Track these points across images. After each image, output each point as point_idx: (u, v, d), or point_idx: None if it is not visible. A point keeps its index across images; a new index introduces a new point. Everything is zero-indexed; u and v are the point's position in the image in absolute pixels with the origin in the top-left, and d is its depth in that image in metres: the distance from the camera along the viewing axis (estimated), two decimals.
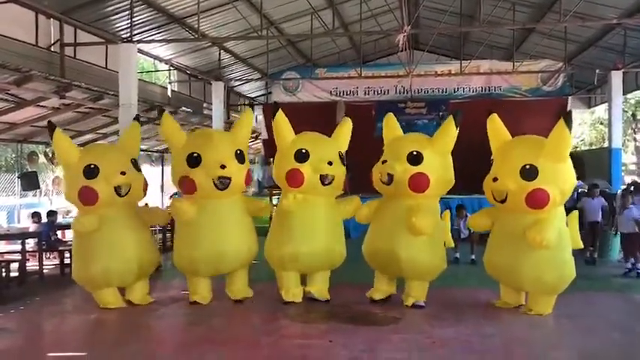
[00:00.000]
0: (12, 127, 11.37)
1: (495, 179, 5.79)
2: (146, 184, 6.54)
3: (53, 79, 9.68)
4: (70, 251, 9.30)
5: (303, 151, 6.18)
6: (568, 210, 6.26)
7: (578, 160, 6.01)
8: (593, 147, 25.05)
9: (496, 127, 6.22)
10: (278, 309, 6.20)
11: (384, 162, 6.16)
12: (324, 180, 6.15)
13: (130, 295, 6.38)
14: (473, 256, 9.19)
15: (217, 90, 15.69)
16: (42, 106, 10.82)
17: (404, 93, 17.58)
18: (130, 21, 10.71)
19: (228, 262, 6.29)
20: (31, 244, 9.59)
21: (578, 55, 15.51)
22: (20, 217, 13.19)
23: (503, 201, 5.82)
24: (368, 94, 18.07)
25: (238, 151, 6.20)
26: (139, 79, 11.38)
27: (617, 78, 14.13)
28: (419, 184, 5.91)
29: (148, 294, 6.56)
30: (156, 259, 6.64)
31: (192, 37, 12.71)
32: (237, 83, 18.62)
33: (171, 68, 15.65)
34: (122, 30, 11.58)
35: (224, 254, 6.19)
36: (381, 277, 6.46)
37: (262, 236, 6.56)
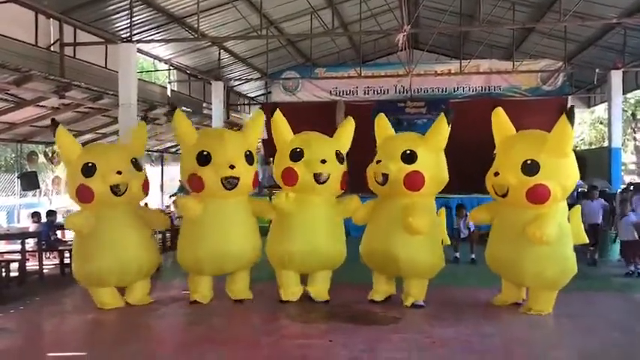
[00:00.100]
0: (12, 127, 11.37)
1: (497, 173, 5.80)
2: (147, 184, 6.49)
3: (53, 79, 9.68)
4: (69, 251, 9.34)
5: (298, 150, 6.24)
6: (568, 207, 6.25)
7: (581, 159, 6.01)
8: (593, 146, 25.06)
9: (501, 121, 6.21)
10: (278, 309, 6.21)
11: (379, 162, 6.15)
12: (319, 178, 6.14)
13: (128, 296, 6.36)
14: (473, 256, 9.19)
15: (217, 90, 15.69)
16: (42, 105, 10.82)
17: (404, 92, 17.58)
18: (129, 21, 10.72)
19: (232, 262, 6.28)
20: (30, 243, 9.60)
21: (578, 54, 15.52)
22: (20, 216, 13.19)
23: (504, 195, 5.82)
24: (368, 93, 18.07)
25: (248, 152, 6.21)
26: (139, 79, 11.38)
27: (616, 77, 14.14)
28: (414, 182, 5.92)
29: (148, 294, 6.52)
30: (156, 260, 6.59)
31: (192, 36, 12.71)
32: (236, 83, 18.62)
33: (171, 68, 15.64)
34: (122, 30, 11.58)
35: (228, 254, 6.17)
36: (379, 277, 6.46)
37: (263, 236, 6.57)
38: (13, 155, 14.34)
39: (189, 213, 6.24)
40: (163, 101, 14.37)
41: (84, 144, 7.61)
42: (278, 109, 6.51)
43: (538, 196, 5.59)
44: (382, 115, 6.73)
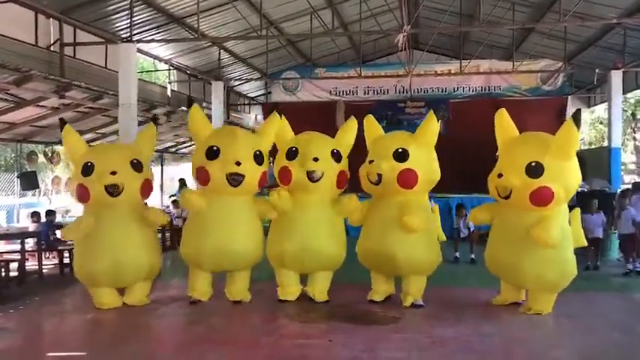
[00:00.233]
0: (11, 127, 11.37)
1: (500, 175, 5.77)
2: (147, 186, 6.36)
3: (53, 79, 9.67)
4: (69, 251, 9.35)
5: (293, 149, 6.30)
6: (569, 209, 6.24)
7: (581, 159, 5.99)
8: (593, 146, 25.06)
9: (504, 122, 6.19)
10: (278, 308, 6.21)
11: (371, 162, 6.14)
12: (311, 176, 6.12)
13: (127, 296, 6.32)
14: (472, 256, 9.19)
15: (217, 90, 15.69)
16: (41, 105, 10.82)
17: (404, 93, 17.61)
18: (129, 21, 10.71)
19: (232, 260, 6.24)
20: (30, 243, 9.60)
21: (578, 54, 15.51)
22: (19, 216, 13.20)
23: (507, 197, 5.80)
24: (367, 93, 18.10)
25: (257, 152, 6.18)
26: (139, 79, 11.37)
27: (616, 77, 14.12)
28: (407, 180, 5.93)
29: (147, 296, 6.46)
30: (158, 262, 6.50)
31: (192, 36, 12.71)
32: (236, 83, 18.62)
33: (171, 68, 15.64)
34: (122, 30, 11.58)
35: (230, 251, 6.14)
36: (377, 277, 6.45)
37: (264, 236, 6.57)
38: (13, 155, 14.33)
39: (193, 207, 6.30)
40: (163, 101, 14.38)
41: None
42: (275, 111, 6.57)
43: (542, 198, 5.58)
44: (370, 116, 6.72)
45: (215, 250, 6.11)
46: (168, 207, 14.19)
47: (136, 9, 10.79)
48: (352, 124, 6.67)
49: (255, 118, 20.47)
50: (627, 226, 8.42)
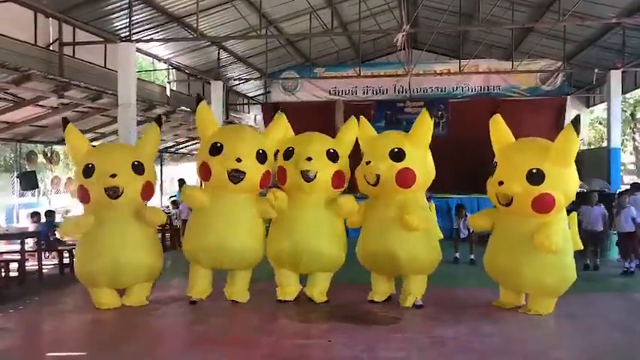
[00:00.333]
0: (11, 127, 11.35)
1: (501, 183, 5.72)
2: (148, 188, 6.28)
3: (52, 79, 9.66)
4: (68, 251, 9.36)
5: (290, 149, 6.33)
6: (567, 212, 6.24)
7: (580, 160, 5.99)
8: (592, 147, 25.08)
9: (499, 128, 6.17)
10: (278, 308, 6.21)
11: (368, 163, 6.12)
12: (306, 176, 6.11)
13: (126, 297, 6.31)
14: (472, 256, 9.18)
15: (216, 89, 15.67)
16: (41, 105, 10.80)
17: (403, 92, 17.60)
18: (128, 20, 10.71)
19: (232, 257, 6.21)
20: (30, 243, 9.60)
21: (577, 54, 15.52)
22: (19, 216, 13.18)
23: (508, 204, 5.77)
24: (367, 93, 18.10)
25: (260, 151, 6.19)
26: (138, 79, 11.36)
27: (615, 77, 14.13)
28: (405, 179, 5.95)
29: (146, 297, 6.42)
30: (158, 264, 6.44)
31: (191, 36, 12.71)
32: (236, 82, 18.61)
33: (170, 67, 15.63)
34: (121, 29, 11.56)
35: (228, 247, 6.13)
36: (378, 277, 6.45)
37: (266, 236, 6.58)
38: (12, 155, 14.31)
39: (194, 202, 6.33)
40: (163, 101, 14.36)
41: None
42: (279, 111, 6.61)
43: (544, 205, 5.57)
44: (362, 117, 6.71)
45: (214, 245, 6.10)
46: (168, 207, 14.19)
47: (135, 8, 10.79)
48: (352, 123, 6.66)
49: (255, 118, 20.47)
50: (627, 224, 8.42)
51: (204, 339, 5.21)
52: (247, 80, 18.59)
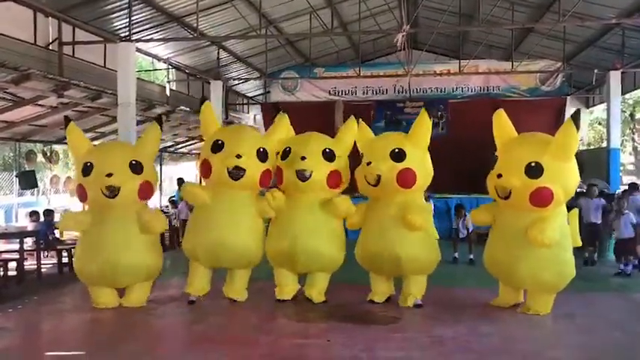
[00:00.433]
0: (10, 126, 11.35)
1: (500, 175, 5.76)
2: (145, 188, 6.21)
3: (51, 78, 9.65)
4: (67, 250, 9.36)
5: (287, 149, 6.37)
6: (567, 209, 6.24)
7: (579, 161, 6.00)
8: (592, 147, 25.09)
9: (502, 123, 6.19)
10: (277, 308, 6.21)
11: (369, 164, 6.12)
12: (301, 175, 6.12)
13: (125, 297, 6.30)
14: (471, 256, 9.19)
15: (216, 89, 15.67)
16: (40, 104, 10.80)
17: (402, 92, 17.61)
18: (128, 20, 10.71)
19: (230, 254, 6.20)
20: (29, 242, 9.60)
21: (577, 55, 15.53)
22: (18, 215, 13.18)
23: (506, 197, 5.80)
24: (366, 93, 18.11)
25: (261, 149, 6.21)
26: (138, 78, 11.36)
27: (615, 78, 14.13)
28: (406, 179, 5.96)
29: (145, 298, 6.39)
30: (157, 264, 6.39)
31: (191, 36, 12.70)
32: (235, 82, 18.61)
33: (170, 67, 15.64)
34: (121, 29, 11.56)
35: (227, 244, 6.11)
36: (377, 278, 6.44)
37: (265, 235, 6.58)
38: (12, 154, 14.31)
39: (195, 199, 6.38)
40: (162, 100, 14.36)
41: None
42: (281, 110, 6.66)
43: (542, 198, 5.58)
44: (361, 121, 6.70)
45: (214, 242, 6.10)
46: (167, 207, 14.19)
47: (134, 8, 10.78)
48: (352, 124, 6.66)
49: (254, 117, 20.47)
50: (627, 231, 8.39)
51: (203, 338, 5.21)
52: (247, 80, 18.59)
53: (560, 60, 15.57)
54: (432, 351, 4.84)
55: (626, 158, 26.87)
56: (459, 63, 15.93)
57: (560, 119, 16.10)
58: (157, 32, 12.50)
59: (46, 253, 10.12)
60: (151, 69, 16.53)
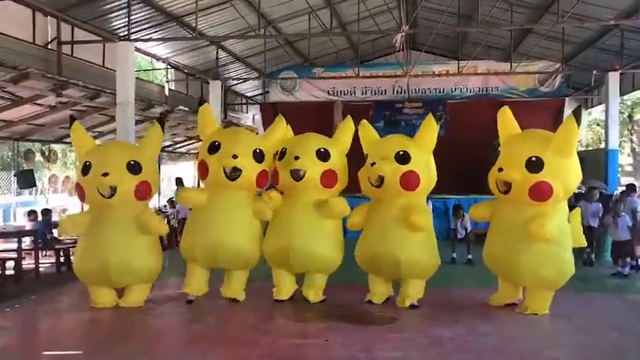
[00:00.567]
0: (8, 125, 11.32)
1: (500, 169, 5.82)
2: (143, 188, 6.16)
3: (50, 77, 9.63)
4: (65, 249, 9.35)
5: (283, 150, 6.41)
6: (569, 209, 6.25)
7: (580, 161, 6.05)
8: (590, 148, 25.12)
9: (507, 119, 6.24)
10: (275, 308, 6.21)
11: (373, 164, 6.11)
12: (295, 175, 6.15)
13: (124, 297, 6.28)
14: (470, 256, 9.20)
15: (215, 89, 15.67)
16: (39, 104, 10.77)
17: (401, 93, 17.61)
18: (127, 19, 10.71)
19: (227, 254, 6.20)
20: (27, 242, 9.59)
21: (576, 56, 15.54)
22: (16, 215, 13.16)
23: (506, 192, 5.83)
24: (365, 93, 18.10)
25: (258, 150, 6.23)
26: (136, 78, 11.35)
27: (614, 79, 14.15)
28: (410, 182, 5.97)
29: (143, 298, 6.38)
30: (156, 264, 6.37)
31: (190, 35, 12.68)
32: (234, 82, 18.61)
33: (169, 67, 15.63)
34: (120, 28, 11.56)
35: (223, 244, 6.11)
36: (376, 279, 6.44)
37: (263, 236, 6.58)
38: (10, 153, 14.29)
39: (191, 203, 6.45)
40: (161, 100, 14.35)
41: None
42: (279, 113, 6.66)
43: (541, 193, 5.61)
44: (365, 121, 6.75)
45: (212, 242, 6.11)
46: (165, 207, 14.18)
47: (133, 7, 10.78)
48: (349, 124, 6.66)
49: (253, 117, 20.47)
50: (623, 233, 8.41)
51: (201, 338, 5.21)
52: (246, 80, 18.59)
53: (559, 61, 15.58)
54: (430, 351, 4.84)
55: (625, 159, 26.92)
56: (458, 64, 15.94)
57: (558, 120, 16.08)
58: (156, 32, 12.49)
59: (44, 253, 10.11)
60: (150, 68, 16.52)
